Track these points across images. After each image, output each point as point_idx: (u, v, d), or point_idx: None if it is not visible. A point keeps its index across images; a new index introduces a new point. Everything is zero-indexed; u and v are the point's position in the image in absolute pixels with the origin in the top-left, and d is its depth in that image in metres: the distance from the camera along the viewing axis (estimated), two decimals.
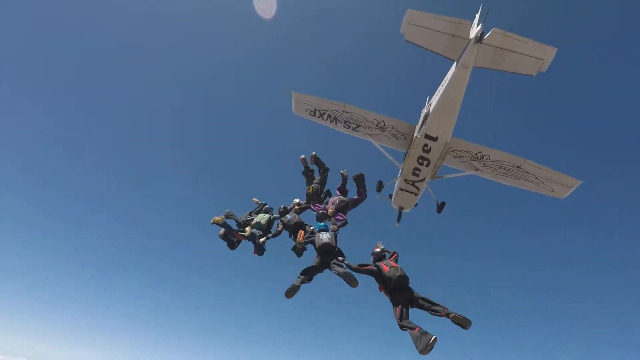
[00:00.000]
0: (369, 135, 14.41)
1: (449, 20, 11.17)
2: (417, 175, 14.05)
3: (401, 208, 16.25)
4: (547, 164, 13.49)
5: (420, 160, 13.59)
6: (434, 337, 8.35)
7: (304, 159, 14.32)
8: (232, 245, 12.62)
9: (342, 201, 12.63)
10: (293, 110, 14.71)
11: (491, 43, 10.86)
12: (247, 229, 12.09)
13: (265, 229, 12.60)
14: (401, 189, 15.15)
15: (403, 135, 14.23)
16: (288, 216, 12.26)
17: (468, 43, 11.03)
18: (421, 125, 13.29)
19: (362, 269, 10.10)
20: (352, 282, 9.72)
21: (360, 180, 13.21)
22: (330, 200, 12.89)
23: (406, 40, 11.74)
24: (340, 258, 10.29)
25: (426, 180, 14.26)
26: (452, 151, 13.67)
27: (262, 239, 12.13)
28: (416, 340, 8.51)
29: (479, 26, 10.65)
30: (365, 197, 13.28)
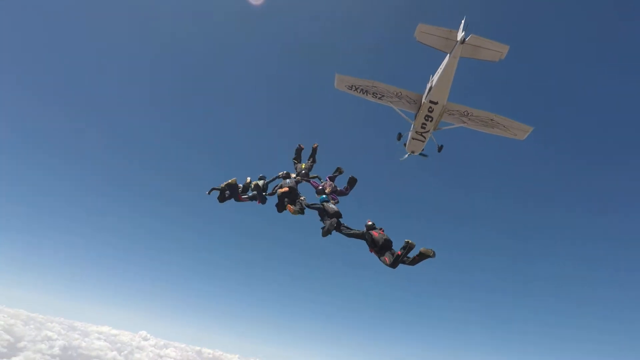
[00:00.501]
0: (390, 102, 21.20)
1: (444, 30, 17.62)
2: (424, 128, 21.08)
3: (412, 152, 23.43)
4: (511, 117, 20.31)
5: (426, 118, 20.51)
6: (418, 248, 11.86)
7: (301, 147, 18.30)
8: (223, 198, 16.07)
9: (335, 187, 16.35)
10: (335, 86, 21.33)
11: (470, 43, 17.18)
12: (254, 182, 15.96)
13: (262, 189, 16.06)
14: (412, 138, 22.28)
15: (414, 102, 20.94)
16: (287, 180, 15.50)
17: (456, 43, 17.36)
18: (427, 94, 19.94)
19: (360, 233, 13.35)
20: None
21: (353, 181, 16.76)
22: (327, 183, 16.40)
23: (417, 40, 18.15)
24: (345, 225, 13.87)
25: (430, 131, 21.25)
26: (448, 111, 20.42)
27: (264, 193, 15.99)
28: (405, 254, 11.92)
29: (463, 32, 16.99)
30: (347, 194, 16.60)
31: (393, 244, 12.68)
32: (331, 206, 14.18)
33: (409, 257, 11.97)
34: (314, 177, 17.11)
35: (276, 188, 15.63)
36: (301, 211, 14.51)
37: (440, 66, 18.80)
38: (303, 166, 17.51)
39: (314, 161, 18.02)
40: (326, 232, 13.51)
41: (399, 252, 11.97)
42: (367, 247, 13.09)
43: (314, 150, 18.17)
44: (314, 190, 16.36)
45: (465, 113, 20.46)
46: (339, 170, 17.23)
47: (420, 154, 23.18)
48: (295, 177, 16.25)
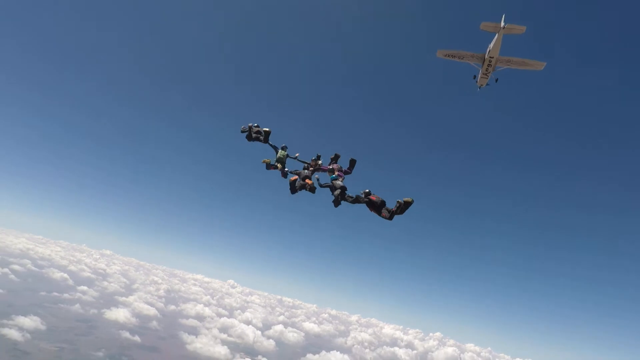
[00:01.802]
0: (469, 60, 44.54)
1: (496, 23, 40.49)
2: (487, 71, 44.86)
3: (480, 85, 46.41)
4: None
5: (487, 65, 44.01)
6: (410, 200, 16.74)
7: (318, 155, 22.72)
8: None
9: (341, 167, 21.14)
10: (437, 55, 44.47)
11: (507, 27, 40.03)
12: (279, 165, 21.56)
13: (284, 160, 21.31)
14: (481, 77, 47.99)
15: (480, 58, 44.82)
16: (305, 171, 20.31)
17: (500, 28, 40.08)
18: (487, 53, 43.65)
19: (361, 199, 17.84)
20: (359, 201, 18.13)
21: (353, 162, 21.42)
22: (336, 166, 21.13)
23: (481, 29, 41.66)
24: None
25: (490, 72, 44.19)
26: (499, 60, 43.85)
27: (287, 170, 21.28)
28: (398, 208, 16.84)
29: (503, 21, 39.69)
30: (351, 173, 21.21)
31: (387, 202, 17.20)
32: (339, 183, 18.36)
33: (398, 208, 16.82)
34: (318, 162, 21.60)
35: (299, 179, 19.87)
36: (313, 190, 18.91)
37: (493, 40, 41.78)
38: (319, 163, 21.93)
39: (349, 171, 21.93)
40: (336, 202, 17.69)
41: (394, 209, 16.75)
42: (368, 209, 17.51)
43: (352, 163, 21.86)
44: (327, 173, 20.65)
45: (507, 60, 42.82)
46: (337, 156, 21.88)
47: (487, 84, 46.15)
48: (309, 169, 21.24)
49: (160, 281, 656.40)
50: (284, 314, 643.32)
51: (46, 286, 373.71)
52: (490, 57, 42.07)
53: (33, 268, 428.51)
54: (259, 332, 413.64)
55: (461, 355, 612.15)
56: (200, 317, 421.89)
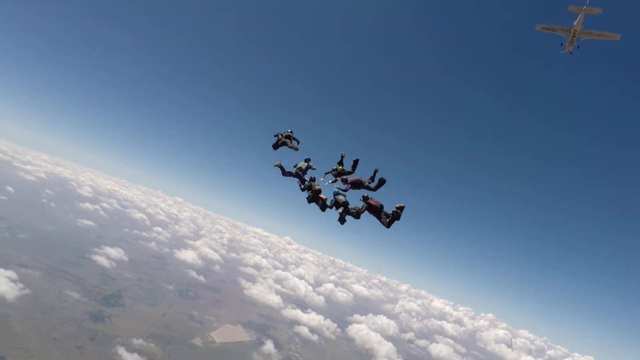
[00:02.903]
0: (559, 32, 41.73)
1: (579, 7, 38.57)
2: (572, 40, 45.40)
3: (567, 51, 46.63)
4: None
5: (572, 35, 45.87)
6: (402, 205, 18.04)
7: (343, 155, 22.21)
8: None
9: (359, 181, 21.04)
10: (536, 28, 41.93)
11: (587, 9, 36.97)
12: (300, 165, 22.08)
13: (304, 170, 21.66)
14: (567, 45, 48.38)
15: (568, 31, 42.46)
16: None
17: (582, 9, 37.51)
18: (573, 27, 41.40)
19: (364, 209, 18.70)
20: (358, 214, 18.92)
21: (356, 163, 21.77)
22: (354, 179, 20.95)
23: (569, 10, 43.55)
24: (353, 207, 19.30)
25: (574, 41, 46.79)
26: (582, 32, 43.02)
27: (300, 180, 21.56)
28: (395, 214, 17.97)
29: (585, 5, 37.23)
30: (374, 190, 20.93)
31: (385, 206, 18.62)
32: (341, 198, 19.27)
33: (396, 215, 17.94)
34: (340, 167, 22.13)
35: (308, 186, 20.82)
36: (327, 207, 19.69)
37: (577, 18, 41.70)
38: (340, 167, 22.07)
39: (352, 171, 22.09)
40: (342, 221, 18.71)
41: (391, 215, 18.06)
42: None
43: (356, 162, 22.06)
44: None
45: (589, 32, 46.46)
46: (356, 162, 22.04)
47: (570, 52, 48.84)
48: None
49: (224, 230, 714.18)
50: (335, 274, 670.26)
51: (128, 224, 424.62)
52: (574, 30, 48.88)
53: (118, 207, 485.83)
54: (311, 288, 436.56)
55: (513, 339, 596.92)
56: (257, 267, 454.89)
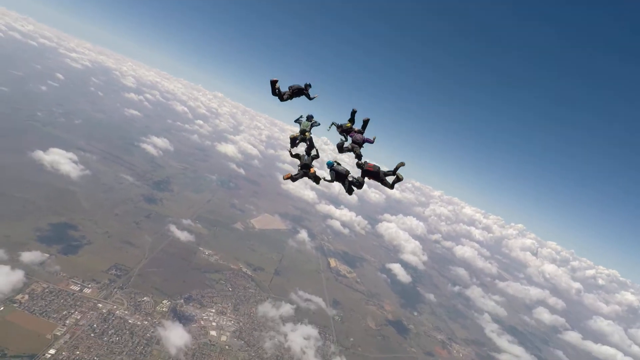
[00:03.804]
0: None
1: None
2: None
3: None
4: None
5: None
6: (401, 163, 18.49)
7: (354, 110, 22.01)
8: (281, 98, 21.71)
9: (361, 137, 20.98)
10: None
11: None
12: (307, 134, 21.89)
13: (308, 131, 21.72)
14: None
15: None
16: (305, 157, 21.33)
17: None
18: None
19: (363, 176, 19.11)
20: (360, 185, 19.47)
21: (366, 122, 21.24)
22: (359, 137, 20.84)
23: None
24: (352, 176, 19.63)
25: None
26: None
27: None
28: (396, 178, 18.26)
29: None
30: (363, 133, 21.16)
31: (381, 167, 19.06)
32: (341, 168, 19.52)
33: (397, 178, 18.48)
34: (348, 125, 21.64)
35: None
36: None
37: None
38: (349, 125, 21.62)
39: (362, 130, 21.57)
40: (350, 191, 19.07)
41: (392, 174, 18.41)
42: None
43: (365, 122, 21.47)
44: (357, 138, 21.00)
45: None
46: (363, 122, 21.53)
47: None
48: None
49: (262, 127, 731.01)
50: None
51: (171, 115, 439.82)
52: None
53: (161, 99, 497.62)
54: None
55: (539, 249, 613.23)
56: (294, 164, 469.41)
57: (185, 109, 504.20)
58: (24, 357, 62.40)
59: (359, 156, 20.14)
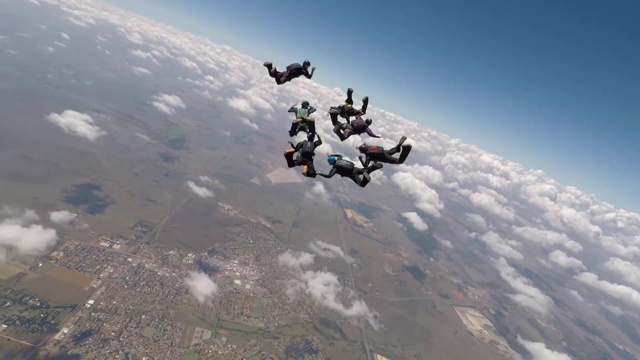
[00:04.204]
0: None
1: None
2: None
3: None
4: None
5: None
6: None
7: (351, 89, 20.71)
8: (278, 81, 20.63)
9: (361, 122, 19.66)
10: None
11: None
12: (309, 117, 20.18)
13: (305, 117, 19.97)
14: None
15: None
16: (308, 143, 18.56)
17: None
18: None
19: (368, 160, 17.99)
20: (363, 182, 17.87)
21: (366, 101, 20.42)
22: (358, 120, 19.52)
23: None
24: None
25: None
26: None
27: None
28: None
29: None
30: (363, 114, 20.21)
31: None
32: (344, 162, 18.06)
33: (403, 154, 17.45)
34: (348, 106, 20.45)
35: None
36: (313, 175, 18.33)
37: None
38: (349, 105, 20.37)
39: (363, 112, 20.55)
40: (364, 184, 17.63)
41: (397, 148, 17.42)
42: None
43: (365, 102, 20.61)
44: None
45: None
46: (363, 102, 20.69)
47: None
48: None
49: (273, 80, 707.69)
50: (384, 127, 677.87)
51: (181, 72, 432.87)
52: None
53: (169, 55, 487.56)
54: (359, 138, 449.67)
55: (558, 194, 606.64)
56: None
57: (194, 64, 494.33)
58: (66, 307, 67.61)
59: (341, 136, 19.32)
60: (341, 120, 20.08)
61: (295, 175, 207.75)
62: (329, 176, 17.83)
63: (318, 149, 18.74)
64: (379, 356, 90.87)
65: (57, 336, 61.87)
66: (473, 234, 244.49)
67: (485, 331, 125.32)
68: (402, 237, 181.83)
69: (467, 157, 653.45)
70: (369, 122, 19.37)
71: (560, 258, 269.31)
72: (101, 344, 63.59)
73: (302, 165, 18.02)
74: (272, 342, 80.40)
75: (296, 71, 20.45)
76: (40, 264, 74.57)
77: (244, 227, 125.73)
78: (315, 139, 18.88)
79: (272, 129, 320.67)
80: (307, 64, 20.53)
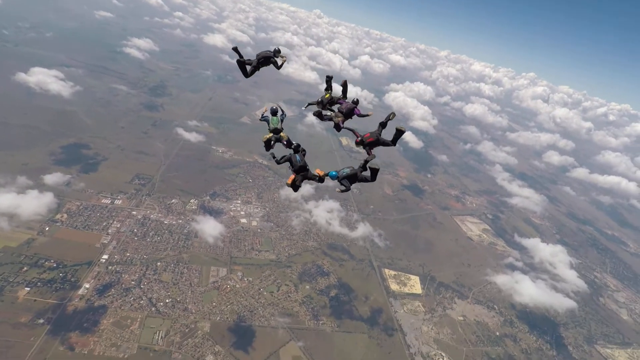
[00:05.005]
0: None
1: None
2: None
3: None
4: None
5: None
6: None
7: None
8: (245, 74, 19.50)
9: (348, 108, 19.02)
10: None
11: None
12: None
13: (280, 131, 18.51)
14: None
15: None
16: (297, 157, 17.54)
17: None
18: None
19: (369, 150, 17.92)
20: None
21: (345, 85, 19.62)
22: (347, 104, 18.97)
23: None
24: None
25: None
26: None
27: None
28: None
29: None
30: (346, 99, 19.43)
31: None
32: (347, 172, 17.74)
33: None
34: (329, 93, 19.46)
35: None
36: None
37: None
38: (327, 95, 19.40)
39: (344, 97, 19.74)
40: (373, 176, 17.42)
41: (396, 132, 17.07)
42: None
43: (344, 86, 19.60)
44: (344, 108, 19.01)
45: None
46: (345, 84, 20.16)
47: None
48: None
49: (247, 9, 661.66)
50: (370, 46, 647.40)
51: (146, 11, 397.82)
52: None
53: None
54: (346, 62, 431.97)
55: (550, 95, 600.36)
56: (289, 45, 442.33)
57: (159, 0, 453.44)
58: (83, 265, 70.02)
59: (338, 127, 18.92)
60: (328, 112, 19.49)
61: (285, 108, 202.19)
62: (348, 189, 17.53)
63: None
64: (386, 270, 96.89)
65: (80, 292, 64.94)
66: (468, 146, 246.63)
67: (484, 235, 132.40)
68: (399, 158, 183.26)
69: (458, 69, 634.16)
70: (355, 102, 18.88)
71: (554, 158, 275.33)
72: (124, 293, 67.10)
73: (285, 162, 17.48)
74: (285, 271, 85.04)
75: (264, 60, 19.63)
76: (47, 228, 75.61)
77: (242, 168, 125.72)
78: (294, 144, 18.04)
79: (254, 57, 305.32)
80: (277, 51, 19.73)
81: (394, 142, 17.58)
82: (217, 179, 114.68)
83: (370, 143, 18.08)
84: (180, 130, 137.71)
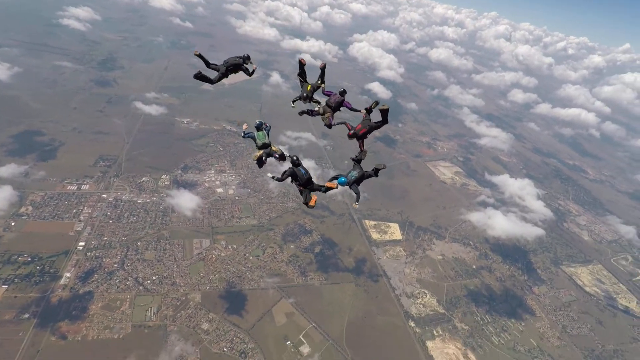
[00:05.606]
0: None
1: None
2: None
3: None
4: None
5: None
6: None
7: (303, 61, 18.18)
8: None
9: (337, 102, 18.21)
10: None
11: None
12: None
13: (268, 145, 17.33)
14: None
15: None
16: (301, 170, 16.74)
17: None
18: None
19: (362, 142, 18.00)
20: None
21: (323, 68, 18.67)
22: (336, 97, 18.10)
23: None
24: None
25: None
26: None
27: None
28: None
29: None
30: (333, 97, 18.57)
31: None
32: (354, 176, 17.39)
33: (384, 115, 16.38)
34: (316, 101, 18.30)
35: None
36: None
37: None
38: (309, 88, 18.05)
39: (322, 82, 18.34)
40: (376, 173, 17.52)
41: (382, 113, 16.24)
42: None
43: (322, 69, 18.37)
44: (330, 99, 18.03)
45: None
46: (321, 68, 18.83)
47: None
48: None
49: None
50: None
51: None
52: None
53: None
54: (305, 14, 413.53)
55: (512, 33, 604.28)
56: (244, 2, 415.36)
57: None
58: (59, 255, 67.91)
59: (329, 126, 18.11)
60: (315, 106, 18.57)
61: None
62: (359, 195, 17.60)
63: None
64: (366, 221, 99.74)
65: (62, 281, 63.54)
66: (435, 91, 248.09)
67: (457, 177, 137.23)
68: None
69: (421, 13, 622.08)
70: (343, 93, 18.03)
71: (518, 96, 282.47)
72: (108, 277, 66.20)
73: (287, 178, 16.54)
74: (268, 234, 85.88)
75: (234, 67, 18.62)
76: (13, 223, 72.00)
77: (210, 137, 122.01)
78: (293, 157, 16.88)
79: (208, 25, 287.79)
80: (246, 58, 18.73)
81: (384, 121, 16.74)
82: (186, 151, 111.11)
83: (365, 134, 17.73)
84: (139, 104, 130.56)
